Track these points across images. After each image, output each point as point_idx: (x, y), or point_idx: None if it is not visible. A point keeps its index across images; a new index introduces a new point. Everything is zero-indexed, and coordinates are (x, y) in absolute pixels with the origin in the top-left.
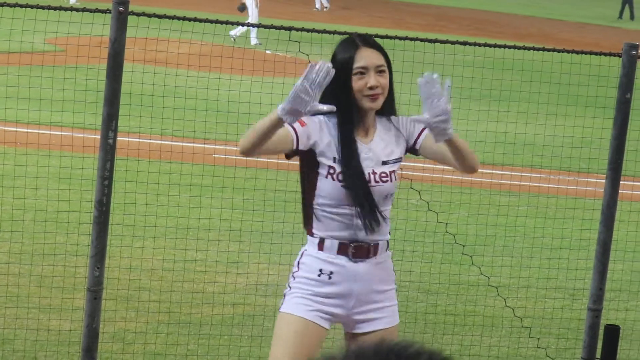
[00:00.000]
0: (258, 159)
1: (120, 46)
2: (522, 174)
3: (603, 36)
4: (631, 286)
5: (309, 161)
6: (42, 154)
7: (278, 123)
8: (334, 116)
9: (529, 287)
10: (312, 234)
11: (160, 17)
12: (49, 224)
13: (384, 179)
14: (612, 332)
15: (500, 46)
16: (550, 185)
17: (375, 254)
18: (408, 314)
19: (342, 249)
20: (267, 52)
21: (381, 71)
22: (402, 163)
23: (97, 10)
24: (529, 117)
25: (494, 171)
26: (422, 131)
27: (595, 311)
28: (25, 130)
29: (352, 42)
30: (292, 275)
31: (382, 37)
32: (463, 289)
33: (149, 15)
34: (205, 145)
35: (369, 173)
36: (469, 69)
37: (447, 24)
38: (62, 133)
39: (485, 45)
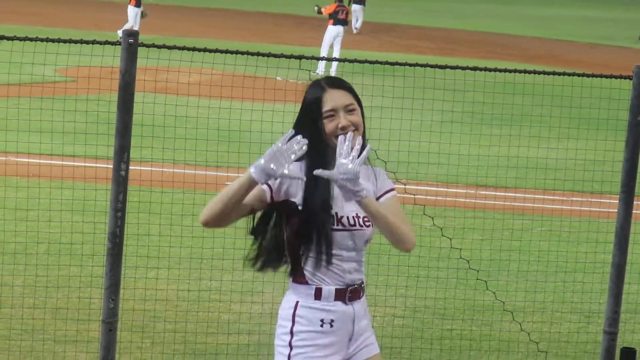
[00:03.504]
0: None
1: (131, 77)
2: (535, 196)
3: (612, 57)
4: None
5: (286, 209)
6: (54, 186)
7: (251, 184)
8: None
9: (544, 310)
10: (305, 283)
11: (170, 47)
12: (62, 256)
13: (367, 223)
14: (629, 355)
15: (510, 70)
16: (563, 207)
17: (364, 293)
18: (423, 339)
19: (339, 295)
20: (278, 78)
21: (351, 110)
22: (415, 187)
23: (107, 43)
24: (541, 140)
25: (507, 194)
26: (390, 190)
27: (611, 334)
28: (38, 161)
29: (319, 86)
30: (290, 332)
31: (392, 63)
32: (478, 313)
33: (159, 47)
34: (218, 174)
35: (353, 217)
36: (479, 93)
37: (457, 47)
38: (75, 164)
39: (495, 70)
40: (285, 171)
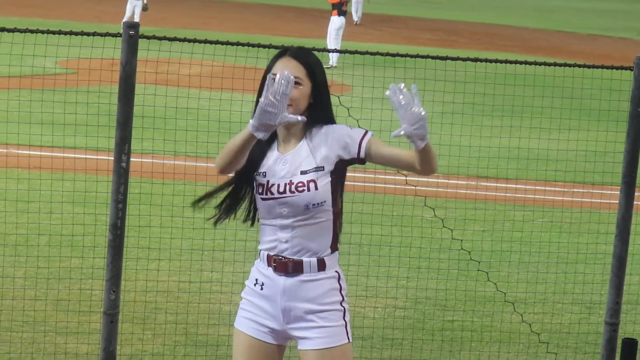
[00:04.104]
0: None
1: (132, 69)
2: (536, 188)
3: (613, 48)
4: None
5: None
6: (55, 178)
7: (251, 139)
8: None
9: (545, 301)
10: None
11: (170, 39)
12: (64, 248)
13: (299, 189)
14: (630, 346)
15: (511, 62)
16: (564, 199)
17: (297, 271)
18: (424, 330)
19: (269, 261)
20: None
21: (295, 83)
22: (416, 178)
23: (107, 34)
24: (542, 131)
25: (507, 185)
26: (362, 139)
27: (613, 325)
28: (39, 153)
29: (282, 52)
30: (245, 283)
31: (392, 55)
32: (479, 305)
33: (159, 38)
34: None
35: (285, 184)
36: (480, 84)
37: (458, 39)
38: (75, 155)
39: (496, 61)
40: (287, 116)
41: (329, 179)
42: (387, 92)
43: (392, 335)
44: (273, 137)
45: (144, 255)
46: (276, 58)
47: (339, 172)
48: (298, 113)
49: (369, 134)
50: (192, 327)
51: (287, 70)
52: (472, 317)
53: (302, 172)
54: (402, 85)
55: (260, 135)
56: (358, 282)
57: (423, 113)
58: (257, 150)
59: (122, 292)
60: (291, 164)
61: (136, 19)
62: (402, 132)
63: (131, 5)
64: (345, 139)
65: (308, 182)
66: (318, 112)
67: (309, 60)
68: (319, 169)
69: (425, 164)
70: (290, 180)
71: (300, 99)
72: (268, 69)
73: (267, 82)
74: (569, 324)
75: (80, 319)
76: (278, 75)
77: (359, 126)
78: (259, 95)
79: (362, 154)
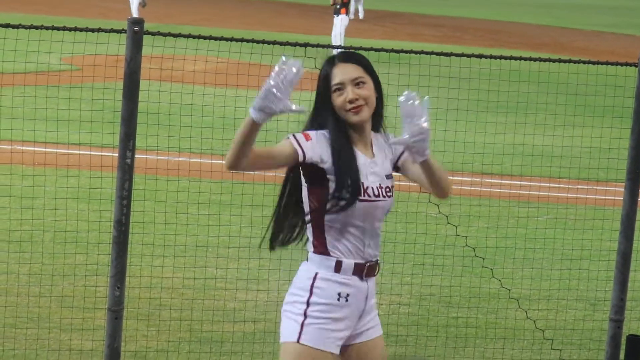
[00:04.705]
0: (276, 174)
1: (136, 65)
2: (541, 184)
3: (618, 44)
4: None
5: (313, 176)
6: (60, 174)
7: (252, 125)
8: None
9: (549, 298)
10: (326, 254)
11: (175, 35)
12: (68, 244)
13: (388, 194)
14: (634, 343)
15: (515, 58)
16: (569, 195)
17: (379, 270)
18: (429, 327)
19: (357, 270)
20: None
21: (359, 83)
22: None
23: (112, 30)
24: (546, 128)
25: (512, 182)
26: (403, 151)
27: (617, 322)
28: (43, 149)
29: (331, 60)
30: (307, 302)
31: (397, 51)
32: (484, 301)
33: (164, 35)
34: (223, 162)
35: (377, 187)
36: (484, 80)
37: (462, 35)
38: (80, 152)
39: (500, 57)
40: (290, 105)
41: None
42: (401, 98)
43: (397, 331)
44: (347, 139)
45: (148, 252)
46: (330, 67)
47: None
48: (372, 109)
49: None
50: (197, 324)
51: (347, 76)
52: (476, 314)
53: (387, 177)
54: (415, 94)
55: (259, 117)
56: None
57: (426, 127)
58: (345, 154)
59: (126, 289)
60: (381, 167)
61: (134, 14)
62: (400, 140)
63: (135, 1)
64: (391, 146)
65: (392, 186)
66: (378, 117)
67: (360, 58)
68: (390, 175)
69: (434, 184)
70: (380, 185)
71: (371, 95)
72: (325, 82)
73: (275, 66)
74: (573, 320)
75: (85, 315)
76: (288, 62)
77: None
78: (315, 103)
79: (399, 162)
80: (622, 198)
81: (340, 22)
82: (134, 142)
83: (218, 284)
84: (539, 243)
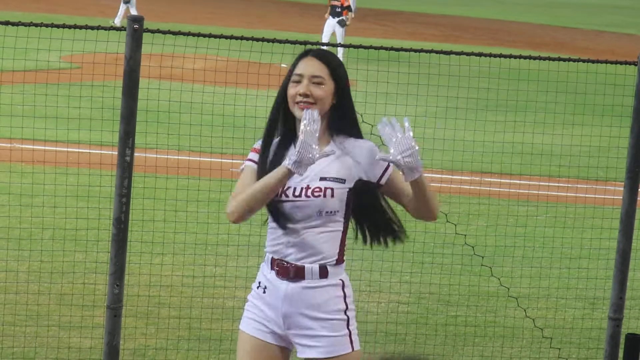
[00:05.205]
0: None
1: (136, 63)
2: (540, 183)
3: (618, 43)
4: None
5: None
6: (59, 172)
7: (286, 177)
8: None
9: (548, 296)
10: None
11: (175, 33)
12: (67, 242)
13: (316, 194)
14: (633, 342)
15: (515, 56)
16: (568, 194)
17: (298, 276)
18: (428, 325)
19: (272, 265)
20: (283, 65)
21: (317, 82)
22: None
23: (111, 28)
24: (546, 127)
25: (511, 180)
26: (387, 167)
27: (616, 320)
28: (43, 147)
29: (305, 52)
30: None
31: (397, 49)
32: (483, 300)
33: (164, 32)
34: (222, 160)
35: (302, 188)
36: (484, 79)
37: (462, 34)
38: (79, 150)
39: (500, 56)
40: (322, 151)
41: (346, 193)
42: (378, 125)
43: (396, 330)
44: (290, 140)
45: (147, 250)
46: (299, 58)
47: (355, 191)
48: (323, 112)
49: (392, 164)
50: (196, 322)
51: (308, 70)
52: (475, 313)
53: (322, 179)
54: (394, 119)
55: (301, 170)
56: (362, 277)
57: (414, 144)
58: (279, 154)
59: (125, 287)
60: (312, 169)
61: (118, 20)
62: (390, 158)
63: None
64: (372, 160)
65: (325, 188)
66: (340, 112)
67: (331, 61)
68: (338, 180)
69: (424, 203)
70: (308, 185)
71: (325, 97)
72: (291, 69)
73: (301, 123)
74: (572, 319)
75: (84, 313)
76: (308, 115)
77: (363, 121)
78: (282, 90)
79: (382, 181)
80: (621, 197)
81: (337, 27)
82: (134, 140)
83: (217, 282)
84: (538, 242)
